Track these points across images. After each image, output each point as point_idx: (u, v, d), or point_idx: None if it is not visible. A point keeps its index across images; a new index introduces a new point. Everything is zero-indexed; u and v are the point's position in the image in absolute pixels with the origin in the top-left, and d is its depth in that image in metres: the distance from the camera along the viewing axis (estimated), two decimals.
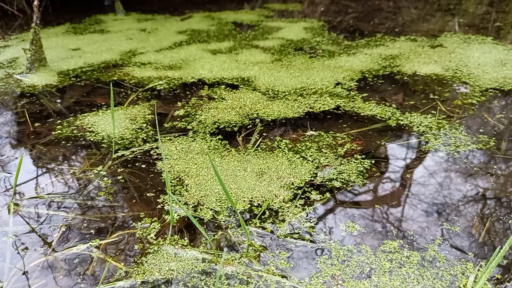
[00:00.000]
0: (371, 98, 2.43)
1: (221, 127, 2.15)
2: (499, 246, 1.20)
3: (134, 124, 2.21)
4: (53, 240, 1.40)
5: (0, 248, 1.38)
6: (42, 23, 4.45)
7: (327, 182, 1.67)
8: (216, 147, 1.95)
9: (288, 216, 1.48)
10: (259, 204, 1.55)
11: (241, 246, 1.37)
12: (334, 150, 1.89)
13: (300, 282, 1.21)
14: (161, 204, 1.57)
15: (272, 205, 1.54)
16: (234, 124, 2.17)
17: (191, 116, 2.28)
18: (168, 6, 5.39)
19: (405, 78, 2.74)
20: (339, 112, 2.28)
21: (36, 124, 2.25)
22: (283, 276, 1.24)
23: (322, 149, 1.91)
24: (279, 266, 1.28)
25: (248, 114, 2.28)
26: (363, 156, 1.85)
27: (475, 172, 1.73)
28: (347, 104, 2.36)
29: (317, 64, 3.03)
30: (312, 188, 1.64)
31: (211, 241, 1.37)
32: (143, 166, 1.83)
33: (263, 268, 1.27)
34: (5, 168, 1.84)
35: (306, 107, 2.34)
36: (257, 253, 1.33)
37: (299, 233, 1.41)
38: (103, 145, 2.01)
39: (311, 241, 1.37)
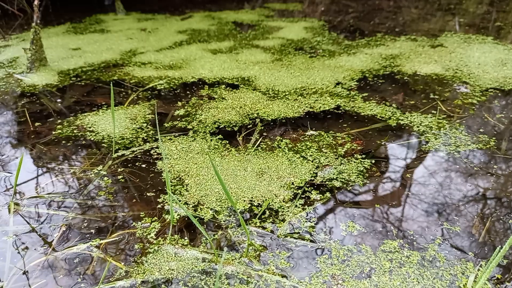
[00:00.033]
0: (371, 98, 2.43)
1: (221, 126, 2.15)
2: (499, 246, 1.20)
3: (134, 123, 2.21)
4: (53, 239, 1.40)
5: (0, 247, 1.38)
6: (42, 23, 4.45)
7: (327, 182, 1.67)
8: (216, 146, 1.95)
9: (288, 215, 1.48)
10: (259, 203, 1.55)
11: (241, 245, 1.37)
12: (334, 150, 1.89)
13: (300, 282, 1.21)
14: (161, 204, 1.57)
15: (272, 204, 1.54)
16: (234, 124, 2.17)
17: (191, 115, 2.28)
18: (168, 6, 5.39)
19: (405, 78, 2.74)
20: (339, 111, 2.28)
21: (37, 124, 2.25)
22: (283, 276, 1.24)
23: (322, 149, 1.91)
24: (279, 265, 1.28)
25: (248, 113, 2.28)
26: (363, 156, 1.85)
27: (475, 172, 1.73)
28: (347, 103, 2.36)
29: (318, 63, 3.02)
30: (312, 188, 1.64)
31: (211, 240, 1.37)
32: (143, 165, 1.83)
33: (263, 268, 1.27)
34: (6, 167, 1.85)
35: (306, 106, 2.34)
36: (257, 252, 1.33)
37: (299, 232, 1.41)
38: (103, 144, 2.01)
39: (311, 241, 1.37)
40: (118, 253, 1.34)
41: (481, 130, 2.05)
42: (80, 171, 1.80)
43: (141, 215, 1.52)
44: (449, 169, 1.75)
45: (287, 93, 2.52)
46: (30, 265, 1.30)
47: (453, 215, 1.48)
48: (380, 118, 2.19)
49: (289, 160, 1.82)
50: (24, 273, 1.27)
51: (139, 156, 1.90)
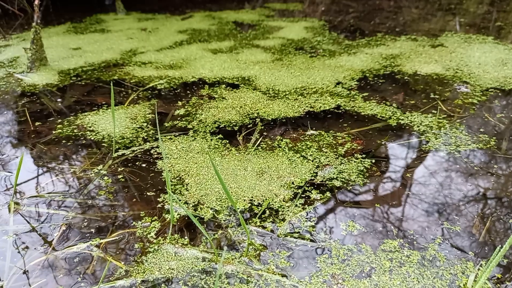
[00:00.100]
0: (371, 98, 2.43)
1: (221, 126, 2.15)
2: (499, 246, 1.20)
3: (135, 123, 2.21)
4: (54, 239, 1.40)
5: (1, 247, 1.38)
6: (43, 23, 4.45)
7: (327, 182, 1.67)
8: (217, 146, 1.95)
9: (288, 215, 1.48)
10: (259, 203, 1.55)
11: (241, 245, 1.37)
12: (335, 150, 1.89)
13: (300, 281, 1.21)
14: (162, 203, 1.57)
15: (272, 204, 1.54)
16: (234, 124, 2.17)
17: (192, 115, 2.28)
18: (169, 6, 5.39)
19: (405, 77, 2.74)
20: (340, 111, 2.28)
21: (37, 123, 2.25)
22: (283, 275, 1.24)
23: (323, 149, 1.91)
24: (279, 265, 1.28)
25: (248, 113, 2.28)
26: (364, 156, 1.85)
27: (475, 171, 1.72)
28: (348, 103, 2.36)
29: (318, 63, 3.02)
30: (312, 188, 1.64)
31: (211, 240, 1.37)
32: (144, 165, 1.83)
33: (263, 267, 1.27)
34: (6, 167, 1.85)
35: (307, 106, 2.34)
36: (257, 252, 1.33)
37: (299, 232, 1.41)
38: (103, 144, 2.01)
39: (311, 240, 1.37)
40: (118, 252, 1.34)
41: (481, 130, 2.05)
42: (80, 170, 1.81)
43: (141, 215, 1.52)
44: (449, 169, 1.75)
45: (287, 92, 2.52)
46: (30, 265, 1.30)
47: (454, 214, 1.48)
48: (381, 117, 2.19)
49: (289, 159, 1.82)
50: (24, 272, 1.27)
51: (139, 155, 1.90)
